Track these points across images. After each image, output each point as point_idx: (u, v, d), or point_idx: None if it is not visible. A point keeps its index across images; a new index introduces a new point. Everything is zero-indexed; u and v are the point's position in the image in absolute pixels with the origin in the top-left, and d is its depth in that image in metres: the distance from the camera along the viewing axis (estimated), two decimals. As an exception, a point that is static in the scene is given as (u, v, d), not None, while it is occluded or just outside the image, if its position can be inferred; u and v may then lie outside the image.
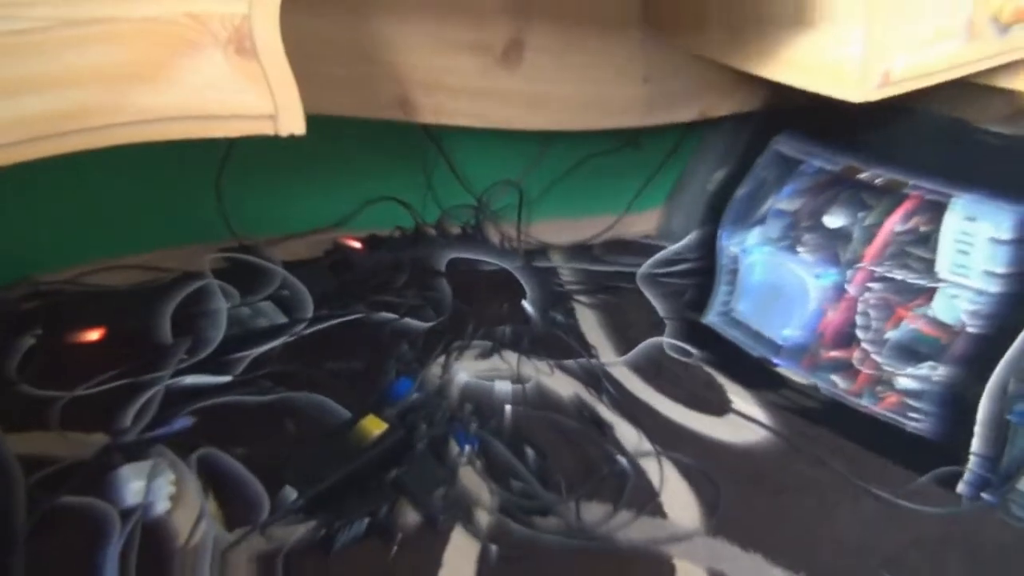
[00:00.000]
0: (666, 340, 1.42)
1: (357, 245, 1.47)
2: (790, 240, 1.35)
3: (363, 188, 1.50)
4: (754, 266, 1.40)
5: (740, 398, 1.30)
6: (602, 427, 1.18)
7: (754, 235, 1.39)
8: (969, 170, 1.14)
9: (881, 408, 1.21)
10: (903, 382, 1.18)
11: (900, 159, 1.22)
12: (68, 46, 0.72)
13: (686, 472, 1.12)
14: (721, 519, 1.05)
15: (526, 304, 1.45)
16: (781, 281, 1.35)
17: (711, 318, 1.45)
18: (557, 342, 1.37)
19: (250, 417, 1.07)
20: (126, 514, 0.89)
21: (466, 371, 1.25)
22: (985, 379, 1.08)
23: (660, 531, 1.03)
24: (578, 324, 1.45)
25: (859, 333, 1.24)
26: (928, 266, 1.16)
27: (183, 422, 1.04)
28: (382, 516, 0.95)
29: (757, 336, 1.38)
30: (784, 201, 1.35)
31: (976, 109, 1.22)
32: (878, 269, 1.22)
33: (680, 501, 1.08)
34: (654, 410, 1.25)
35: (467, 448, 1.07)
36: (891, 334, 1.20)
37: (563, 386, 1.27)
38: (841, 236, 1.27)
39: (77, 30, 0.73)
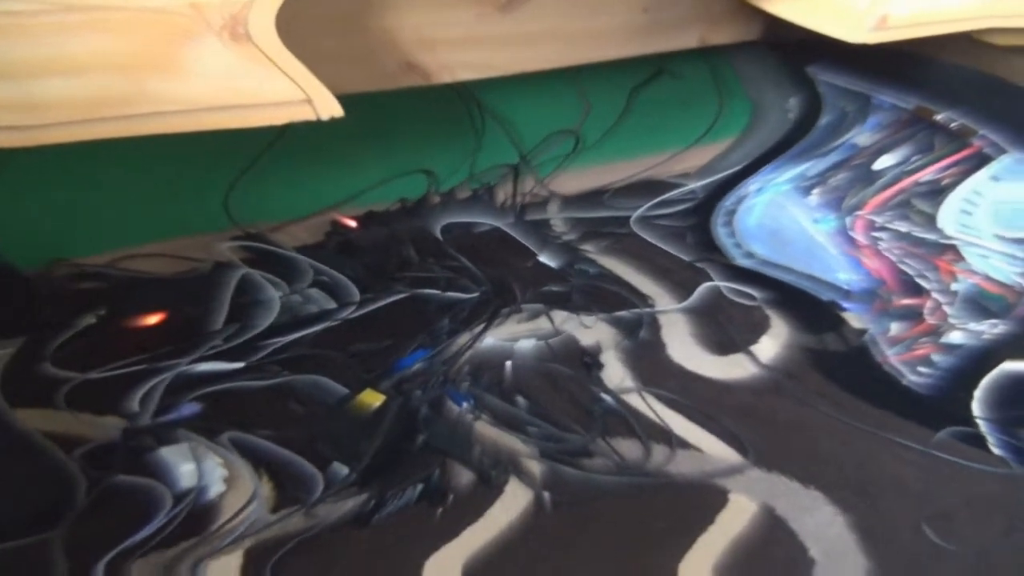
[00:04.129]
0: (723, 284, 1.39)
1: (352, 223, 1.43)
2: (819, 178, 1.34)
3: (403, 159, 1.47)
4: (754, 208, 1.40)
5: (770, 339, 1.28)
6: (590, 369, 1.19)
7: (793, 171, 1.37)
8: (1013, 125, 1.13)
9: (898, 359, 1.20)
10: (955, 336, 1.18)
11: (968, 107, 1.20)
12: (66, 32, 0.72)
13: (674, 407, 1.14)
14: (761, 453, 1.07)
15: (543, 259, 1.45)
16: (778, 225, 1.34)
17: (741, 260, 1.42)
18: (611, 296, 1.36)
19: (254, 401, 1.08)
20: (179, 497, 0.91)
21: (495, 336, 1.25)
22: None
23: (707, 464, 1.05)
24: (611, 272, 1.42)
25: (923, 283, 1.22)
26: (929, 220, 1.16)
27: (190, 408, 1.04)
28: (435, 480, 0.97)
29: (813, 279, 1.34)
30: (865, 135, 1.33)
31: (1002, 70, 1.22)
32: (878, 219, 1.22)
33: (699, 436, 1.10)
34: (664, 353, 1.25)
35: (464, 405, 1.09)
36: (956, 287, 1.19)
37: (590, 337, 1.27)
38: (868, 179, 1.26)
39: (77, 16, 0.73)
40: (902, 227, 1.21)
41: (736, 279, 1.40)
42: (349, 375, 1.12)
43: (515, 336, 1.25)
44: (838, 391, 1.18)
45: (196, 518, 0.91)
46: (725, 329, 1.30)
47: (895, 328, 1.25)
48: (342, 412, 1.04)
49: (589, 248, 1.50)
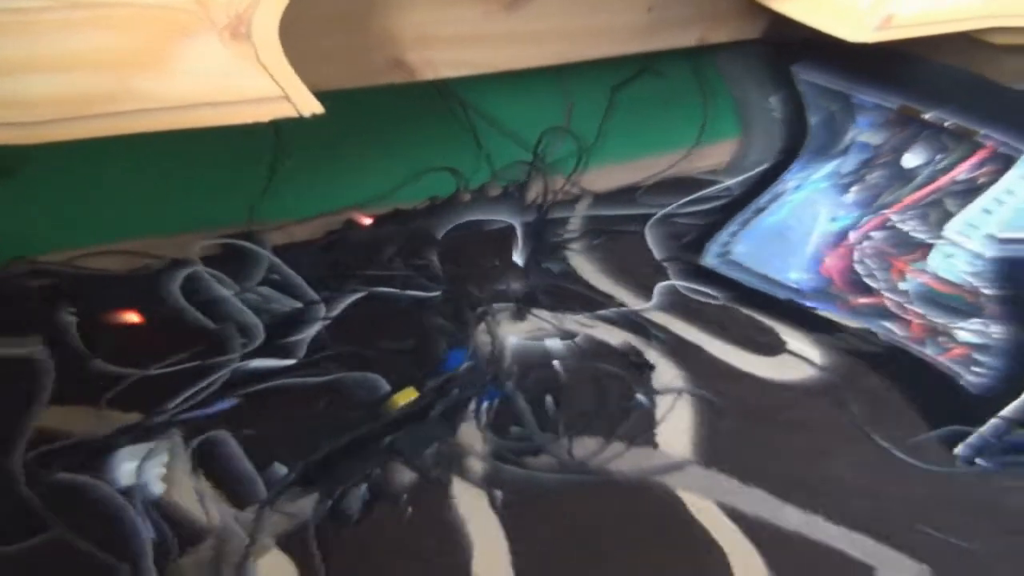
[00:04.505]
0: (677, 283, 1.42)
1: (367, 221, 1.43)
2: (854, 176, 1.32)
3: (413, 161, 1.46)
4: (785, 205, 1.39)
5: (793, 339, 1.31)
6: (642, 370, 1.21)
7: (827, 168, 1.36)
8: (1013, 127, 1.11)
9: (945, 358, 1.20)
10: (963, 336, 1.18)
11: (954, 105, 1.18)
12: (71, 28, 0.72)
13: (701, 408, 1.16)
14: (711, 450, 1.09)
15: (516, 257, 1.45)
16: (792, 223, 1.35)
17: (709, 260, 1.44)
18: (567, 293, 1.37)
19: (292, 399, 1.09)
20: (124, 494, 0.92)
21: (514, 335, 1.26)
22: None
23: (649, 461, 1.07)
24: (577, 272, 1.44)
25: (869, 282, 1.23)
26: (943, 221, 1.15)
27: (223, 404, 1.06)
28: (375, 478, 0.98)
29: (764, 278, 1.37)
30: (867, 133, 1.32)
31: (989, 69, 1.19)
32: (895, 217, 1.20)
33: (674, 433, 1.12)
34: (706, 353, 1.27)
35: (484, 404, 1.11)
36: (904, 286, 1.20)
37: (612, 336, 1.29)
38: (906, 176, 1.24)
39: (82, 12, 0.73)
40: (906, 227, 1.19)
41: (693, 279, 1.42)
42: (399, 374, 1.13)
43: (532, 335, 1.27)
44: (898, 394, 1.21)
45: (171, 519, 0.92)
46: (731, 329, 1.32)
47: (898, 330, 1.24)
48: (369, 410, 1.06)
49: (576, 247, 1.50)
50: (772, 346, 1.29)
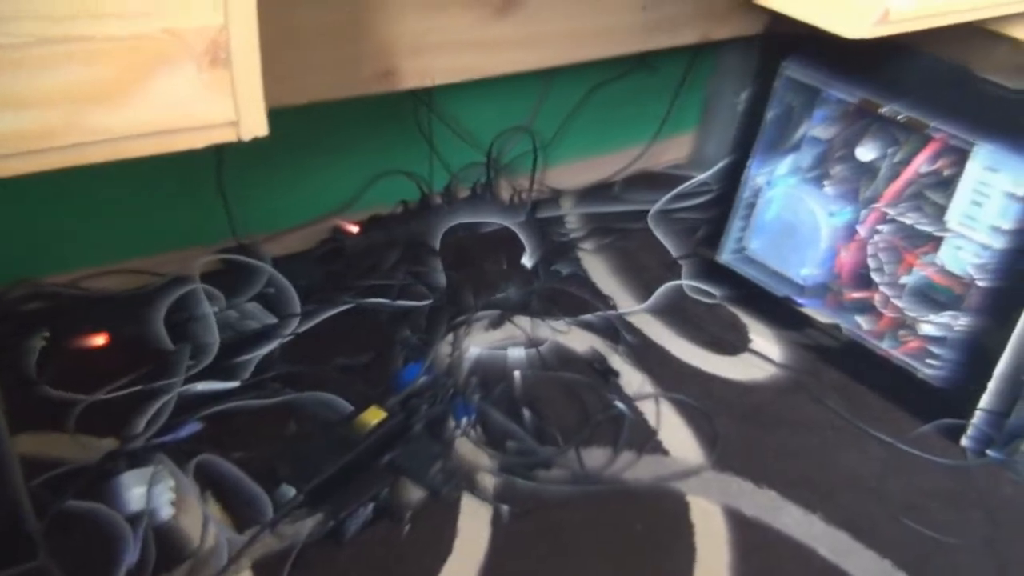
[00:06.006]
0: (685, 282, 1.42)
1: (354, 229, 1.41)
2: (819, 171, 1.32)
3: (364, 167, 1.44)
4: (772, 201, 1.38)
5: (761, 337, 1.32)
6: (607, 377, 1.20)
7: (786, 164, 1.36)
8: (986, 120, 1.10)
9: (900, 352, 1.21)
10: (926, 328, 1.18)
11: (914, 99, 1.17)
12: (44, 64, 0.71)
13: (686, 411, 1.15)
14: (723, 454, 1.08)
15: (525, 260, 1.43)
16: (796, 219, 1.33)
17: (726, 257, 1.43)
18: (569, 297, 1.36)
19: (256, 420, 1.08)
20: (132, 520, 0.91)
21: (478, 344, 1.24)
22: (1007, 332, 1.07)
23: (665, 468, 1.06)
24: (588, 274, 1.43)
25: (875, 276, 1.23)
26: (939, 212, 1.14)
27: (191, 428, 1.05)
28: (383, 498, 0.97)
29: (776, 275, 1.37)
30: (818, 128, 1.32)
31: (979, 57, 1.16)
32: (892, 211, 1.19)
33: (679, 438, 1.11)
34: (669, 355, 1.27)
35: (463, 420, 1.09)
36: (905, 279, 1.19)
37: (580, 342, 1.27)
38: (870, 170, 1.24)
39: (54, 48, 0.73)
40: (908, 219, 1.18)
41: (706, 277, 1.42)
42: (354, 392, 1.11)
43: (498, 344, 1.24)
44: (860, 389, 1.23)
45: (162, 539, 0.91)
46: (706, 328, 1.32)
47: (863, 322, 1.26)
48: (338, 431, 1.03)
49: (588, 246, 1.49)
50: (735, 345, 1.30)
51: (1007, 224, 1.07)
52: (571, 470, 1.05)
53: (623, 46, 1.41)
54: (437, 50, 1.21)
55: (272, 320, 1.23)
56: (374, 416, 1.04)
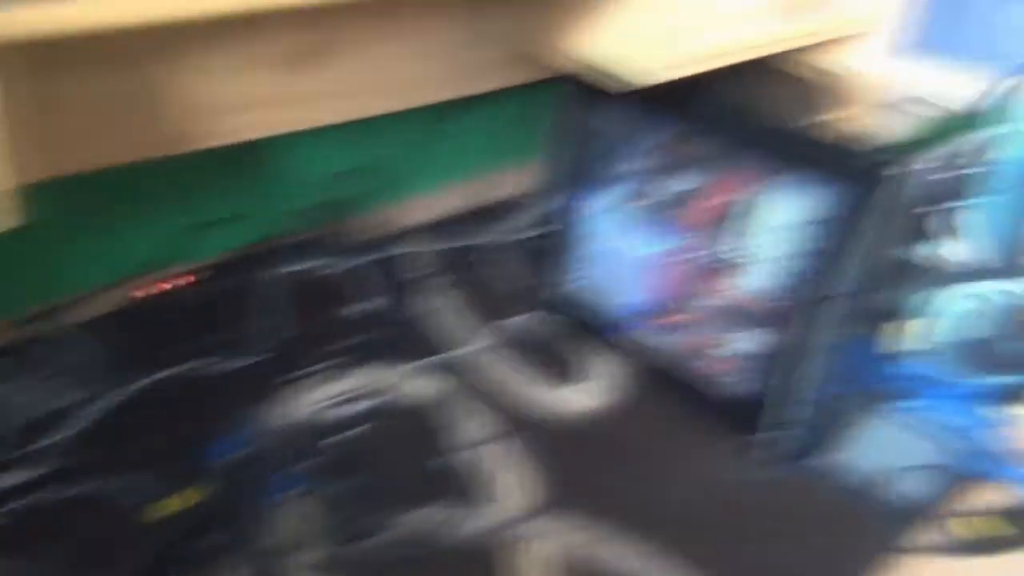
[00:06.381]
0: (527, 316, 1.44)
1: (172, 285, 1.33)
2: (639, 203, 1.35)
3: (189, 215, 1.38)
4: (600, 233, 1.41)
5: (595, 367, 1.35)
6: (445, 425, 1.19)
7: (611, 196, 1.39)
8: (776, 153, 1.16)
9: (707, 370, 1.26)
10: (729, 346, 1.23)
11: (715, 134, 1.23)
12: None
13: (522, 452, 1.16)
14: (558, 493, 1.10)
15: (368, 304, 1.42)
16: (620, 249, 1.37)
17: (565, 288, 1.46)
18: (415, 340, 1.35)
19: (54, 519, 1.00)
20: None
21: (310, 402, 1.20)
22: (805, 347, 1.13)
23: (497, 517, 1.06)
24: (434, 312, 1.43)
25: (688, 301, 1.28)
26: (740, 240, 1.20)
27: None
28: None
29: (608, 305, 1.40)
30: (637, 162, 1.35)
31: (772, 92, 1.24)
32: (699, 239, 1.24)
33: (513, 483, 1.12)
34: (509, 392, 1.28)
35: (289, 491, 1.06)
36: (714, 302, 1.24)
37: (422, 387, 1.26)
38: (681, 201, 1.28)
39: None
40: (715, 246, 1.24)
41: (548, 309, 1.45)
42: (164, 472, 1.05)
43: (333, 399, 1.22)
44: (683, 410, 1.26)
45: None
46: (544, 362, 1.34)
47: (681, 344, 1.30)
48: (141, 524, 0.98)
49: (433, 284, 1.49)
50: (570, 377, 1.33)
51: (795, 248, 1.13)
52: (402, 533, 1.03)
53: (441, 92, 1.43)
54: (244, 108, 1.19)
55: (77, 397, 1.15)
56: (186, 499, 1.01)
